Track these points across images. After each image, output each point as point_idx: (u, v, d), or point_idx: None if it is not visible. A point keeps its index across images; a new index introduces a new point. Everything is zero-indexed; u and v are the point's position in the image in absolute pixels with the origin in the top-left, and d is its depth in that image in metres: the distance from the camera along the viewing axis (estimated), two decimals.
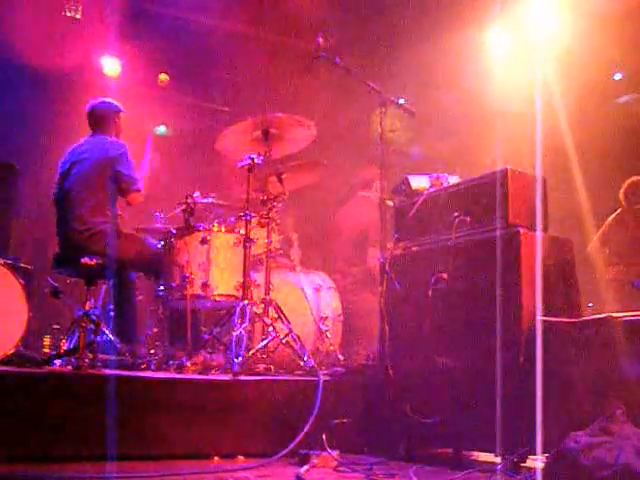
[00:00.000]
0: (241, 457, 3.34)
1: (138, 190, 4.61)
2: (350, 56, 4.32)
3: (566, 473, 2.43)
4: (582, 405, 2.87)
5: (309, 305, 4.93)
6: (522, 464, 2.97)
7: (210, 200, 4.78)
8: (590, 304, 5.65)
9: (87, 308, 4.27)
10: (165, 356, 4.28)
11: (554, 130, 6.43)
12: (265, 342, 4.18)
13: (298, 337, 4.32)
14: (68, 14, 7.06)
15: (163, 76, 6.20)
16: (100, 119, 4.82)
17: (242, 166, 4.40)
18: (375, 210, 5.96)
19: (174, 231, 4.54)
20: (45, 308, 6.11)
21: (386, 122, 4.19)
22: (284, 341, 4.24)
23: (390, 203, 4.10)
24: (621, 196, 6.18)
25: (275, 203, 4.62)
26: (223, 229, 4.60)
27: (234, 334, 3.97)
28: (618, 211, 6.21)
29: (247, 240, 4.32)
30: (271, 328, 4.24)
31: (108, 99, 4.96)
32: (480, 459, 3.39)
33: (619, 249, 6.09)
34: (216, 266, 4.44)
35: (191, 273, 4.36)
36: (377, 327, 3.85)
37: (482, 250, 3.32)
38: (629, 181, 6.16)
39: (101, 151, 4.63)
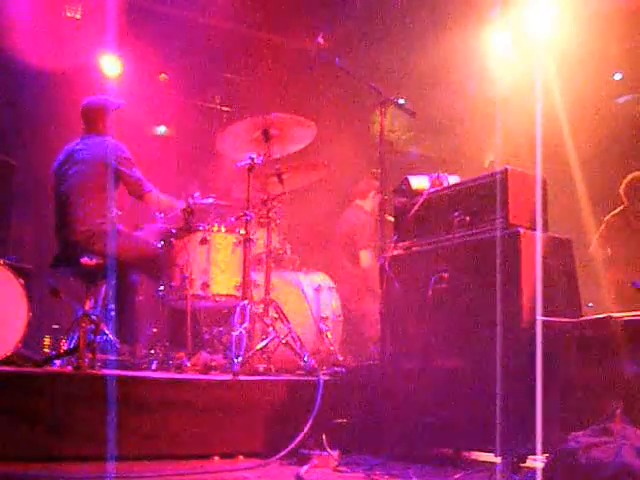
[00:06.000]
0: (241, 457, 3.34)
1: (150, 191, 4.61)
2: (350, 56, 4.31)
3: (566, 473, 2.43)
4: (582, 405, 2.87)
5: (309, 305, 4.92)
6: (522, 464, 2.97)
7: (210, 200, 4.78)
8: (590, 304, 5.63)
9: (87, 308, 4.28)
10: (165, 356, 4.28)
11: (554, 130, 6.43)
12: (265, 342, 4.17)
13: (298, 337, 4.32)
14: (68, 14, 7.06)
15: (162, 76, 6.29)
16: (94, 118, 4.73)
17: (242, 166, 4.40)
18: (362, 215, 6.06)
19: (174, 231, 4.54)
20: (45, 308, 6.11)
21: (386, 122, 4.20)
22: (284, 341, 4.24)
23: (390, 219, 4.10)
24: (622, 193, 5.86)
25: (275, 203, 4.62)
26: (223, 229, 4.61)
27: (234, 334, 3.97)
28: (619, 209, 6.01)
29: (247, 240, 4.32)
30: (271, 328, 4.24)
31: (103, 96, 4.89)
32: (480, 459, 3.38)
33: (622, 248, 5.93)
34: (216, 266, 4.44)
35: (191, 273, 4.37)
36: (376, 329, 3.85)
37: (482, 250, 3.31)
38: (630, 177, 5.89)
39: (100, 153, 4.60)
